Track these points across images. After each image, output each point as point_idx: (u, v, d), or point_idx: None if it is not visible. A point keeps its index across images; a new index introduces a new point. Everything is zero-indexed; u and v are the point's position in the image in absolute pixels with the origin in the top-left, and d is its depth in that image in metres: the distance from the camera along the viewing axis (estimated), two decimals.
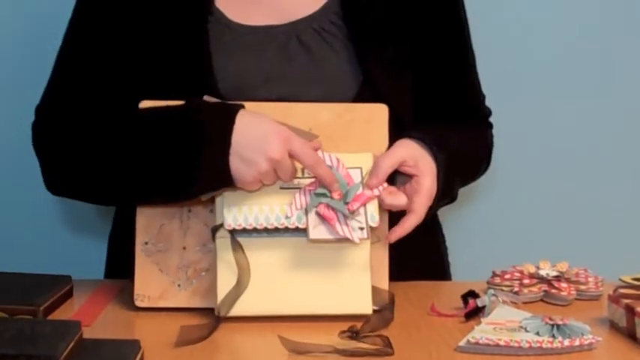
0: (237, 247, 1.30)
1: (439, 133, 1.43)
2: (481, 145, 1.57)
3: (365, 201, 1.30)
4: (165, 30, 1.44)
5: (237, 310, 1.29)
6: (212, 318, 1.29)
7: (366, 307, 1.31)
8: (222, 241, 1.31)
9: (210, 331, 1.26)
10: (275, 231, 1.31)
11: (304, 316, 1.30)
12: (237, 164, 1.28)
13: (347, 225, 1.29)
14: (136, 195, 1.36)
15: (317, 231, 1.29)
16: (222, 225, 1.31)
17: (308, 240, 1.29)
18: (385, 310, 1.30)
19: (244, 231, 1.31)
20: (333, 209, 1.29)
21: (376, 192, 1.32)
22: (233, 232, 1.30)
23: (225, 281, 1.30)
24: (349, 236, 1.28)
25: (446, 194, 1.41)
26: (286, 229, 1.31)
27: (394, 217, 1.37)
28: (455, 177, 1.44)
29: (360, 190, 1.31)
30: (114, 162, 1.36)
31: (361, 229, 1.29)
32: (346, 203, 1.29)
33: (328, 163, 1.31)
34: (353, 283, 1.31)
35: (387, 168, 1.33)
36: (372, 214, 1.31)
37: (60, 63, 1.50)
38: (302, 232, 1.30)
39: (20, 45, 1.95)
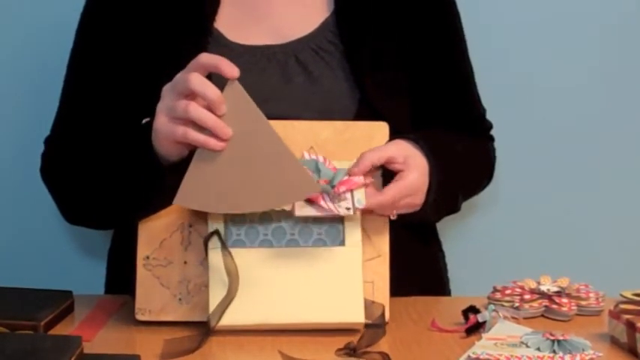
0: (227, 254, 1.30)
1: (437, 138, 1.43)
2: (483, 156, 1.58)
3: (351, 186, 1.30)
4: (165, 52, 1.45)
5: (228, 320, 1.29)
6: (201, 330, 1.28)
7: (358, 316, 1.30)
8: (215, 251, 1.31)
9: (198, 343, 1.26)
10: (266, 241, 1.32)
11: (303, 331, 1.30)
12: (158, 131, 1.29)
13: (332, 202, 1.29)
14: (129, 213, 1.38)
15: (303, 210, 1.29)
16: (213, 233, 1.31)
17: (294, 216, 1.29)
18: (378, 323, 1.30)
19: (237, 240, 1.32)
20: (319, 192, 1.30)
21: (362, 179, 1.31)
22: (223, 241, 1.31)
23: (217, 292, 1.30)
24: (335, 211, 1.29)
25: (444, 198, 1.41)
26: (278, 236, 1.32)
27: (394, 224, 1.37)
28: (455, 182, 1.44)
29: (346, 177, 1.31)
30: (107, 189, 1.39)
31: (347, 209, 1.30)
32: (332, 187, 1.30)
33: (314, 158, 1.32)
34: (345, 292, 1.31)
35: (371, 158, 1.32)
36: (359, 199, 1.31)
37: (64, 94, 1.54)
38: (294, 242, 1.32)
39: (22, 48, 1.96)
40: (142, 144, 1.31)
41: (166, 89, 1.29)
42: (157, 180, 1.31)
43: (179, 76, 1.27)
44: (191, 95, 1.25)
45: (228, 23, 1.49)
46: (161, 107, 1.29)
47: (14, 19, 1.93)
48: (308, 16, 1.50)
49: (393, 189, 1.33)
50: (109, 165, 1.39)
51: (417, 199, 1.37)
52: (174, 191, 1.28)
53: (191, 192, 1.27)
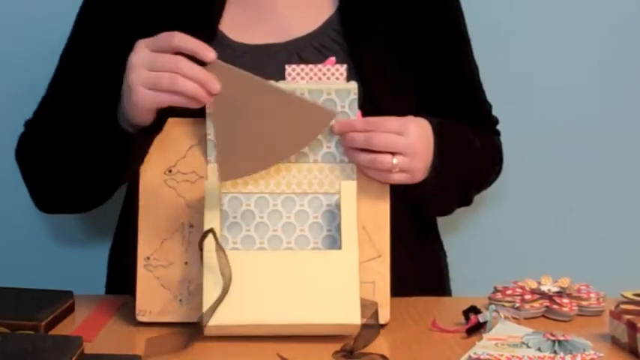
0: (221, 255, 1.29)
1: (446, 120, 1.43)
2: (492, 145, 1.57)
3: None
4: None
5: (222, 319, 1.28)
6: (192, 330, 1.28)
7: (353, 318, 1.29)
8: (209, 252, 1.31)
9: (185, 343, 1.25)
10: (262, 250, 1.34)
11: (303, 336, 1.29)
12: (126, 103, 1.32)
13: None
14: (96, 182, 1.42)
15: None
16: (208, 232, 1.30)
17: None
18: (372, 323, 1.29)
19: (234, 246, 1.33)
20: None
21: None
22: (217, 240, 1.30)
23: (211, 292, 1.29)
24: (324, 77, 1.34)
25: (448, 171, 1.40)
26: (275, 245, 1.34)
27: (396, 213, 1.37)
28: (464, 161, 1.45)
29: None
30: (74, 156, 1.41)
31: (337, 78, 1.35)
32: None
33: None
34: (341, 295, 1.30)
35: (373, 119, 1.34)
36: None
37: (53, 82, 1.54)
38: (290, 250, 1.34)
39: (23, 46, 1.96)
40: (106, 110, 1.35)
41: (138, 64, 1.29)
42: (123, 141, 1.34)
43: (161, 59, 1.27)
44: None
45: (232, 24, 1.49)
46: (137, 79, 1.29)
47: (14, 19, 1.93)
48: (312, 14, 1.50)
49: (378, 118, 1.35)
50: (75, 133, 1.41)
51: (416, 163, 1.35)
52: (139, 152, 1.34)
53: (229, 167, 1.31)
